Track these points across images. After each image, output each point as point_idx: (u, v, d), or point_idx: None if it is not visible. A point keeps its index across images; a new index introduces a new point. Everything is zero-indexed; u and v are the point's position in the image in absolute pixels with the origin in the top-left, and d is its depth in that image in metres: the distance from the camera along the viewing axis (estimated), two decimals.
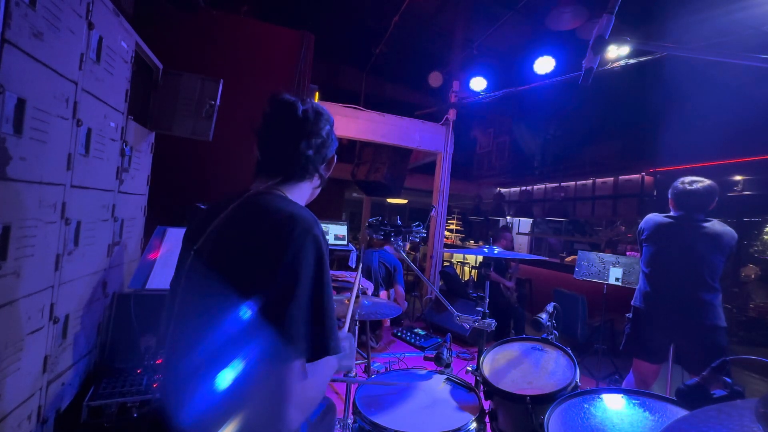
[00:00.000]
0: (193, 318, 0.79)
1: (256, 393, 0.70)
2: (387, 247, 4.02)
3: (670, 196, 2.27)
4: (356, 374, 1.66)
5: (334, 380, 1.05)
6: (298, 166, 0.91)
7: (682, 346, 2.17)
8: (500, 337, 2.29)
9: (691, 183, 2.17)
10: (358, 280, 1.52)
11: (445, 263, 6.21)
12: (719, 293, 2.07)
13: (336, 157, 1.03)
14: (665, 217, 2.27)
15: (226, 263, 0.78)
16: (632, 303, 2.33)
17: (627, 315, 2.36)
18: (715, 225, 2.12)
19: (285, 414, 0.69)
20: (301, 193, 0.95)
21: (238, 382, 0.69)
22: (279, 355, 0.69)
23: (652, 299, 2.21)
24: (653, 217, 2.32)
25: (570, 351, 1.56)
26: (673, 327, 2.12)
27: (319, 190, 1.02)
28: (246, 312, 0.70)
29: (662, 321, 2.16)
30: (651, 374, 2.26)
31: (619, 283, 3.02)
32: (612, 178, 6.80)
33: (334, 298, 1.84)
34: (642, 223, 2.37)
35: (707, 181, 2.15)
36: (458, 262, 7.48)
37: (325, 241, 0.80)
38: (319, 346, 0.74)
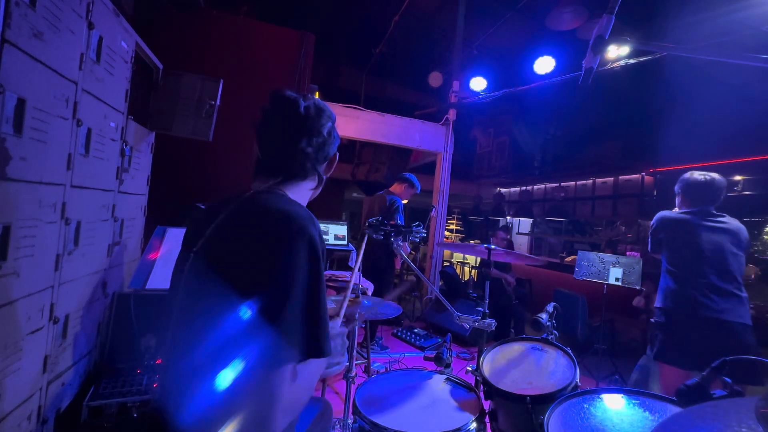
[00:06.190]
0: (192, 319, 0.79)
1: (247, 395, 0.70)
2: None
3: (680, 191, 2.15)
4: (356, 374, 1.65)
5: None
6: (299, 165, 0.89)
7: (713, 348, 1.90)
8: (500, 336, 2.29)
9: (704, 175, 2.08)
10: (354, 276, 1.50)
11: (445, 263, 6.20)
12: (744, 291, 1.99)
13: (338, 154, 1.01)
14: (682, 213, 2.14)
15: (224, 264, 0.77)
16: (657, 305, 2.11)
17: (653, 320, 2.15)
18: (733, 221, 2.04)
19: (271, 417, 0.69)
20: (302, 192, 0.94)
21: (234, 384, 0.69)
22: (272, 358, 0.69)
23: (682, 298, 2.03)
24: (668, 214, 2.18)
25: (570, 351, 1.56)
26: (705, 326, 1.94)
27: (321, 188, 1.00)
28: (243, 314, 0.70)
29: (694, 321, 1.97)
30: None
31: (619, 283, 3.02)
32: (612, 178, 6.80)
33: (335, 298, 1.84)
34: (656, 222, 2.20)
35: (716, 174, 2.08)
36: (458, 262, 7.46)
37: (322, 239, 0.79)
38: (313, 348, 0.74)
